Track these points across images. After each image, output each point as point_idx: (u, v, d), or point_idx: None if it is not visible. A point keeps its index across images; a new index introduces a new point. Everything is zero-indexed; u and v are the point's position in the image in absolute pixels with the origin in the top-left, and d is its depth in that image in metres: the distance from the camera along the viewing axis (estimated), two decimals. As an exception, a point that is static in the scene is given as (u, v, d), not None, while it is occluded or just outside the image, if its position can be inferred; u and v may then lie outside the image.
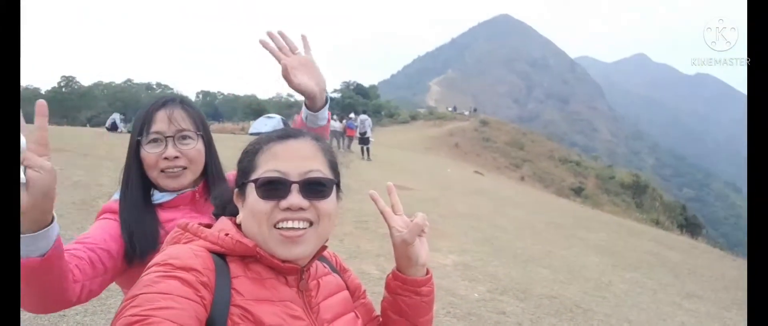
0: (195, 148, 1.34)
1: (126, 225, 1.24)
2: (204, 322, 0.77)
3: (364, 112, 25.13)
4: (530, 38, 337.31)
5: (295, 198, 0.88)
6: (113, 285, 1.31)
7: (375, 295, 1.12)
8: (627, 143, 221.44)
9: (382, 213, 1.07)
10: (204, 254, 0.85)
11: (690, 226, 26.23)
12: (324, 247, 0.99)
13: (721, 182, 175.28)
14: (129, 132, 1.39)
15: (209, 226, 0.95)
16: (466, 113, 68.74)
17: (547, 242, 8.54)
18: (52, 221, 0.88)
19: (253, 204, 0.89)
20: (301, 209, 0.88)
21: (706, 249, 13.19)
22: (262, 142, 0.96)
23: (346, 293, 1.05)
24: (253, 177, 0.91)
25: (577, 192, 35.07)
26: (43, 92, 58.50)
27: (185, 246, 0.87)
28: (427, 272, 1.07)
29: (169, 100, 1.36)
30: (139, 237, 1.22)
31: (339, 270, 1.11)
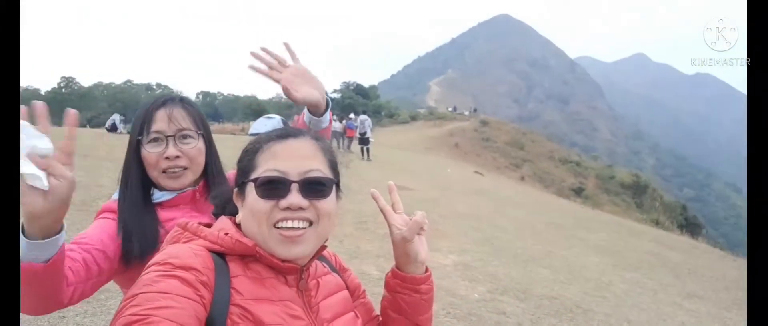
0: (196, 147, 1.33)
1: (125, 225, 1.24)
2: (203, 321, 0.77)
3: (364, 113, 25.18)
4: (530, 38, 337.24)
5: (294, 197, 0.88)
6: (113, 286, 1.31)
7: (375, 296, 1.12)
8: (627, 143, 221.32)
9: (382, 210, 1.07)
10: (203, 253, 0.85)
11: (690, 226, 26.20)
12: (324, 247, 0.99)
13: (722, 182, 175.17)
14: (129, 133, 1.39)
15: (209, 226, 0.95)
16: (466, 113, 68.77)
17: (547, 242, 8.53)
18: (60, 229, 0.88)
19: (252, 204, 0.89)
20: (301, 208, 0.88)
21: (706, 249, 13.18)
22: (261, 141, 0.96)
23: (345, 292, 1.05)
24: (253, 176, 0.91)
25: (578, 192, 35.08)
26: (43, 93, 58.53)
27: (185, 245, 0.87)
28: (426, 270, 1.08)
29: (169, 99, 1.36)
30: (138, 237, 1.22)
31: (338, 269, 1.11)
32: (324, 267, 1.05)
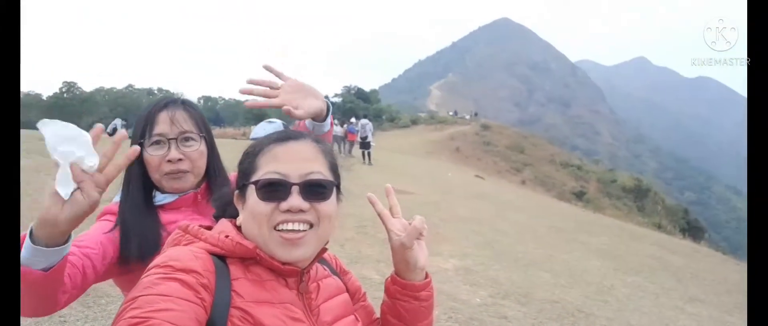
0: (197, 149, 1.33)
1: (126, 227, 1.23)
2: (204, 324, 0.77)
3: (365, 117, 25.18)
4: (530, 42, 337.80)
5: (295, 199, 0.88)
6: (114, 291, 1.31)
7: (376, 300, 1.11)
8: (628, 147, 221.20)
9: (379, 215, 1.06)
10: (204, 256, 0.85)
11: (692, 230, 26.11)
12: (324, 249, 0.99)
13: (723, 185, 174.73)
14: (129, 137, 1.39)
15: (210, 228, 0.95)
16: (467, 117, 68.83)
17: (548, 246, 8.51)
18: (66, 241, 0.89)
19: (253, 206, 0.89)
20: (302, 211, 0.88)
21: (708, 252, 13.14)
22: (262, 143, 0.96)
23: (346, 295, 1.05)
24: (254, 178, 0.91)
25: (579, 196, 35.01)
26: (44, 98, 58.63)
27: (185, 247, 0.87)
28: (426, 276, 1.06)
29: (171, 101, 1.36)
30: (139, 239, 1.21)
31: (339, 272, 1.11)
32: (324, 269, 1.05)
